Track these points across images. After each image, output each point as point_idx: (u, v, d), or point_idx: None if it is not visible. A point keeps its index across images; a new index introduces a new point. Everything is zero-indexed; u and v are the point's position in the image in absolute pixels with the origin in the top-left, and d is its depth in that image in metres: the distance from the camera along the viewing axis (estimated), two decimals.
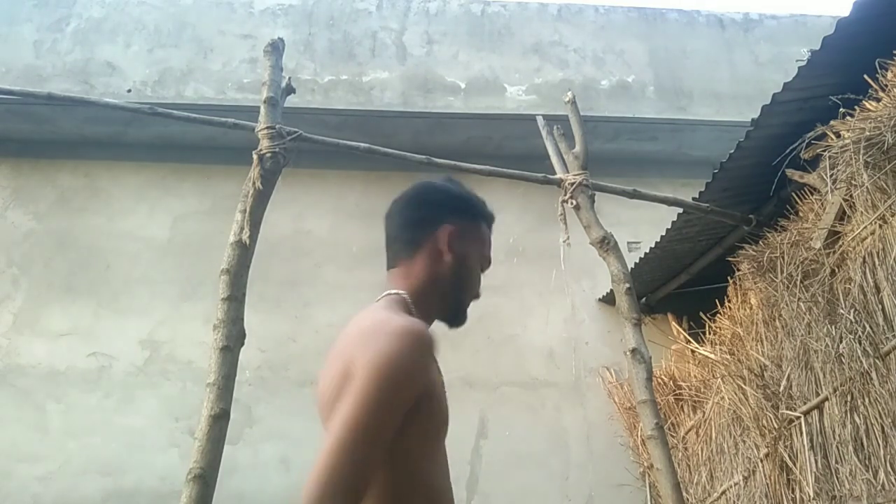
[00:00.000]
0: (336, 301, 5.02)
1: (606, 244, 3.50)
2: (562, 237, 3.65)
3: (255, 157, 3.21)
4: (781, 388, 3.34)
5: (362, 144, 3.66)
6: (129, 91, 5.36)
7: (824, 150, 3.14)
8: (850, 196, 3.12)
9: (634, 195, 4.00)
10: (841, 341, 2.98)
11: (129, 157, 5.52)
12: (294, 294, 5.06)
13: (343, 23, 5.84)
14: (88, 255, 5.13)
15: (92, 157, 5.49)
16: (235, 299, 2.99)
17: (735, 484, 3.68)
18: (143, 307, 4.96)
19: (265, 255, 4.77)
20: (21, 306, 4.93)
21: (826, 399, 3.05)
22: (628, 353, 3.27)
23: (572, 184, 3.67)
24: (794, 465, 3.22)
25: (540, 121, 4.15)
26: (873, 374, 2.80)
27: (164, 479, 4.35)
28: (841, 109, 3.08)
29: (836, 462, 2.96)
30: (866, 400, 2.84)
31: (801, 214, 3.50)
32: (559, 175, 3.78)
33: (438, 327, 1.50)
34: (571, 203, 3.66)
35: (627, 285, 3.37)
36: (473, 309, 1.57)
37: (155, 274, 5.09)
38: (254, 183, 3.15)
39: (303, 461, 4.51)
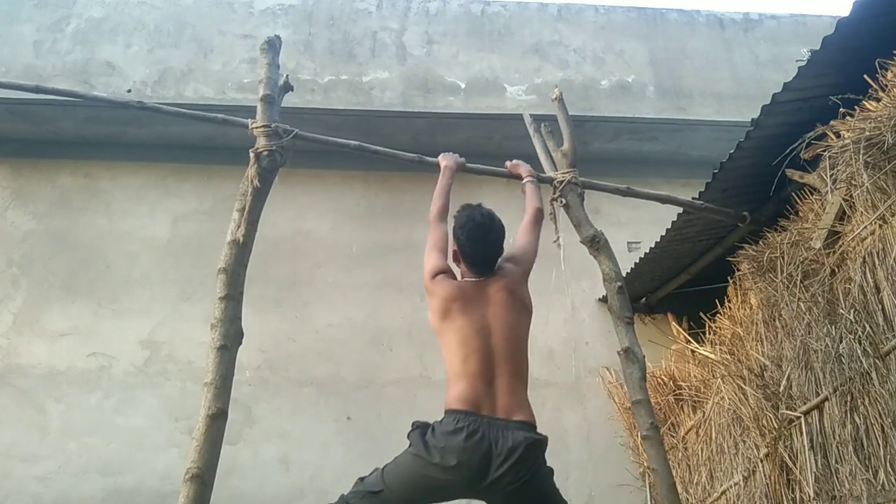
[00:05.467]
0: (336, 301, 5.02)
1: (597, 242, 3.45)
2: (553, 237, 3.58)
3: (251, 155, 3.21)
4: (781, 388, 3.34)
5: (352, 142, 3.64)
6: (129, 91, 5.35)
7: (824, 150, 3.14)
8: (850, 196, 3.12)
9: (627, 193, 3.96)
10: (841, 341, 2.97)
11: (129, 157, 5.52)
12: (294, 294, 5.06)
13: (343, 23, 5.83)
14: (88, 255, 5.13)
15: (92, 157, 5.49)
16: (232, 298, 2.98)
17: (735, 484, 3.67)
18: (142, 307, 4.96)
19: (265, 256, 4.78)
20: (21, 306, 4.93)
21: (826, 399, 3.05)
22: (621, 352, 3.23)
23: (561, 182, 3.59)
24: (794, 465, 3.22)
25: (527, 118, 4.06)
26: (873, 374, 2.80)
27: (164, 479, 4.34)
28: (841, 109, 3.08)
29: (836, 462, 2.96)
30: (866, 400, 2.84)
31: (801, 214, 3.50)
32: (549, 173, 3.69)
33: None
34: (561, 202, 3.58)
35: (619, 284, 3.33)
36: None
37: (155, 274, 5.09)
38: (251, 181, 3.14)
39: (303, 461, 4.52)
